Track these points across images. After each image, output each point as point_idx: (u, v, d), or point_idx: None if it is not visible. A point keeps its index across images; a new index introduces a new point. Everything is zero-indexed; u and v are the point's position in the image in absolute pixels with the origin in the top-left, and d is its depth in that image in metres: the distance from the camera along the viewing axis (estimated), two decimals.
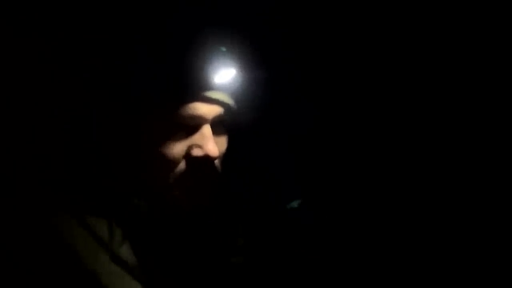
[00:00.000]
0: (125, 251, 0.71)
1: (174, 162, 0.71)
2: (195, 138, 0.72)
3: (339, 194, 0.96)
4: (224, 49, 0.71)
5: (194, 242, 0.78)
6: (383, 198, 0.94)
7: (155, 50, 0.69)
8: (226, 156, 0.77)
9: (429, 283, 0.90)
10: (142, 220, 0.73)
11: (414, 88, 0.93)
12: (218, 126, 0.75)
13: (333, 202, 0.96)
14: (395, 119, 0.94)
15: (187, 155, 0.72)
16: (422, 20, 0.91)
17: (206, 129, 0.72)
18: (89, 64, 0.72)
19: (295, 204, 0.90)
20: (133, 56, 0.70)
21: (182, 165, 0.72)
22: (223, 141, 0.76)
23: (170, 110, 0.70)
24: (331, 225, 0.93)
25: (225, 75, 0.71)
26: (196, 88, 0.69)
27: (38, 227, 0.68)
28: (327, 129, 0.92)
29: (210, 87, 0.70)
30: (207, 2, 0.74)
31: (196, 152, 0.72)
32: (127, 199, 0.72)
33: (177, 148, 0.71)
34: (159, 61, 0.69)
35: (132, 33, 0.71)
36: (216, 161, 0.75)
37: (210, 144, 0.72)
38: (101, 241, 0.70)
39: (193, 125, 0.72)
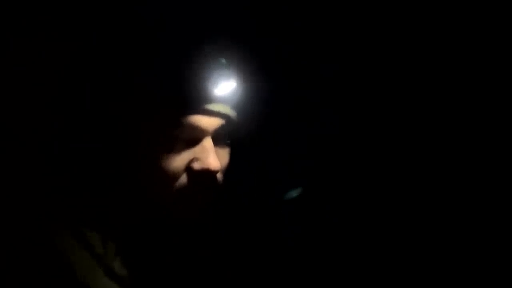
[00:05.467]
0: (119, 265, 0.71)
1: (175, 175, 0.70)
2: (196, 151, 0.71)
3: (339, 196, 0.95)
4: (224, 61, 0.71)
5: (186, 256, 0.77)
6: (382, 196, 0.94)
7: (154, 62, 0.69)
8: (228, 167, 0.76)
9: (428, 283, 0.89)
10: (136, 235, 0.73)
11: (415, 90, 0.93)
12: (220, 138, 0.74)
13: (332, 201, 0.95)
14: (397, 125, 0.94)
15: (188, 168, 0.71)
16: (420, 20, 0.92)
17: (207, 142, 0.71)
18: (89, 76, 0.72)
19: (294, 193, 0.88)
20: (132, 69, 0.69)
21: (183, 178, 0.71)
22: (225, 153, 0.75)
23: (171, 123, 0.69)
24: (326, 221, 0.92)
25: (225, 87, 0.70)
26: (196, 101, 0.69)
27: (33, 239, 0.68)
28: (329, 139, 0.91)
29: (210, 100, 0.70)
30: (208, 13, 0.73)
31: (197, 165, 0.71)
32: (121, 213, 0.72)
33: (178, 161, 0.70)
34: (158, 74, 0.68)
35: (130, 45, 0.70)
36: (218, 174, 0.74)
37: (211, 157, 0.71)
38: (95, 254, 0.69)
39: (194, 138, 0.71)
